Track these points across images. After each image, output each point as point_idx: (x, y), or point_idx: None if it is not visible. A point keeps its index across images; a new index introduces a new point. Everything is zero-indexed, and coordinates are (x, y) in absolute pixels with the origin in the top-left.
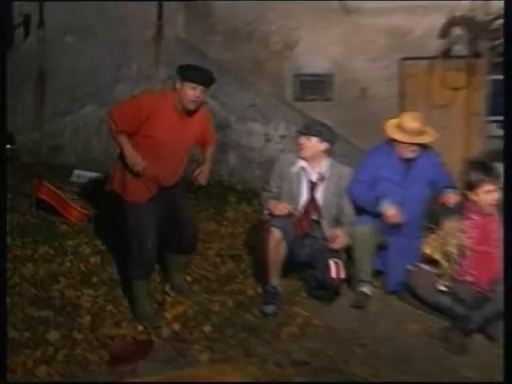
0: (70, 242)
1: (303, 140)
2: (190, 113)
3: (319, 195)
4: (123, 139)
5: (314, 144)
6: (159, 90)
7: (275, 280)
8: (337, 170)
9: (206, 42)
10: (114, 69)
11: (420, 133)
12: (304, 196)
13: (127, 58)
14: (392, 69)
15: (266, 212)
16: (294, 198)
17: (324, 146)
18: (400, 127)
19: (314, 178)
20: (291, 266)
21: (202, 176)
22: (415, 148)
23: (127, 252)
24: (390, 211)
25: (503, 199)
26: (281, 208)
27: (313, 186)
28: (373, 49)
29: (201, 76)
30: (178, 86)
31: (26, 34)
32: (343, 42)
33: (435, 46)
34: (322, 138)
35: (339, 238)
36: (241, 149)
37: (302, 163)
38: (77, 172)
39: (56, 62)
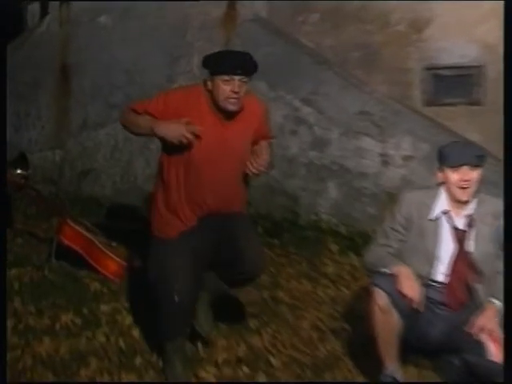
0: (104, 308)
1: (470, 173)
2: (234, 114)
3: (471, 247)
4: (148, 118)
5: (477, 176)
6: (190, 85)
7: (391, 365)
8: (490, 206)
9: (296, 23)
10: (167, 61)
11: None
12: (449, 251)
13: (185, 47)
14: None
15: (377, 279)
16: (426, 257)
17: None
18: None
19: (460, 224)
20: (420, 347)
21: (258, 165)
22: None
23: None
24: None
25: (503, 199)
26: (412, 289)
27: (461, 237)
28: None
29: (234, 62)
30: (209, 84)
31: (43, 12)
32: (497, 19)
33: None
34: (482, 164)
35: (489, 326)
36: (346, 175)
37: (445, 205)
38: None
39: (85, 52)
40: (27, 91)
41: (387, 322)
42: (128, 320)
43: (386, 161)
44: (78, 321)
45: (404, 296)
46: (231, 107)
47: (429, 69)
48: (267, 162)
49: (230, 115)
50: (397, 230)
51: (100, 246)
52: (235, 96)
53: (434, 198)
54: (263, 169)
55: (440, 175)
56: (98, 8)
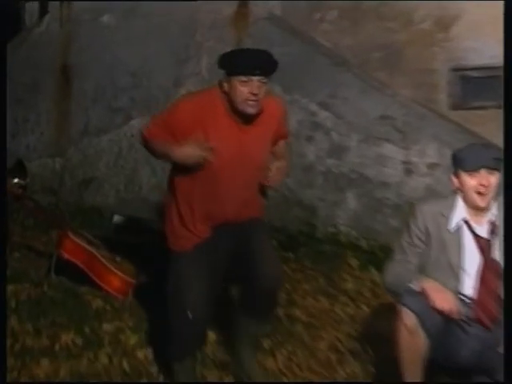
0: (107, 327)
1: (488, 177)
2: (252, 117)
3: (497, 256)
4: (165, 144)
5: (496, 181)
6: (204, 88)
7: None
8: None
9: (313, 22)
10: (174, 63)
11: None
12: (475, 262)
13: (193, 48)
14: None
15: (405, 297)
16: (451, 271)
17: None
18: None
19: (483, 232)
20: (448, 368)
21: (273, 175)
22: None
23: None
24: None
25: (504, 199)
26: (447, 301)
27: (485, 246)
28: None
29: (252, 62)
30: (226, 85)
31: (43, 11)
32: None
33: None
34: (500, 167)
35: None
36: (367, 185)
37: (463, 214)
38: (118, 218)
39: (87, 53)
40: (25, 94)
41: (414, 342)
42: (132, 340)
43: (409, 169)
44: (79, 341)
45: (439, 311)
46: (250, 110)
47: (456, 70)
48: (284, 172)
49: (248, 118)
50: (415, 245)
51: (103, 260)
52: (254, 98)
53: (451, 207)
54: (280, 179)
55: (456, 181)
56: (100, 6)
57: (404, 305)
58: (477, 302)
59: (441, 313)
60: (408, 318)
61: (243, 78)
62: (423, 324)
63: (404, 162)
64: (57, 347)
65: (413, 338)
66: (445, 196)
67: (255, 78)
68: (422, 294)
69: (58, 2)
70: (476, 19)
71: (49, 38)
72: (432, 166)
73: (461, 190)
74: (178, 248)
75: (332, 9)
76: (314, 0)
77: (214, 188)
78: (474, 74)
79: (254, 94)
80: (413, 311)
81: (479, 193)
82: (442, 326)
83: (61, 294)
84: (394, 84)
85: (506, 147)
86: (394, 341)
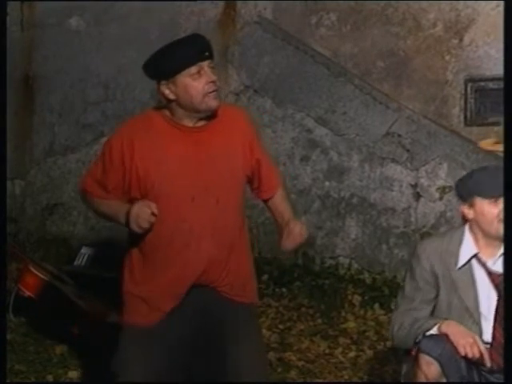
0: (73, 374)
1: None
2: (206, 127)
3: None
4: (101, 201)
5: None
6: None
7: None
8: None
9: (309, 26)
10: None
11: None
12: (491, 302)
13: None
14: None
15: (424, 343)
16: (466, 314)
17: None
18: None
19: (497, 266)
20: None
21: (289, 240)
22: None
23: None
24: None
25: (504, 199)
26: (472, 347)
27: (499, 282)
28: None
29: (194, 47)
30: (167, 91)
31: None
32: None
33: None
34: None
35: None
36: (370, 211)
37: (473, 248)
38: (86, 250)
39: (53, 62)
40: None
41: None
42: None
43: (418, 193)
44: None
45: (464, 356)
46: (214, 103)
47: (471, 81)
48: (300, 236)
49: (200, 129)
50: (421, 289)
51: (70, 297)
52: (214, 88)
53: (457, 242)
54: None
55: (468, 211)
56: (68, 8)
57: (423, 352)
58: (494, 345)
59: (465, 358)
60: (429, 367)
61: (193, 70)
62: (446, 372)
63: (412, 185)
64: None
65: None
66: (444, 231)
67: (205, 64)
68: (444, 339)
69: (18, 3)
70: (493, 23)
71: (8, 45)
72: (444, 190)
73: (477, 220)
74: (130, 319)
75: (330, 11)
76: (309, 0)
77: (169, 227)
78: (491, 85)
79: (214, 82)
80: (435, 359)
81: (500, 221)
82: (466, 374)
83: (20, 338)
84: (400, 97)
85: (506, 145)
86: None
